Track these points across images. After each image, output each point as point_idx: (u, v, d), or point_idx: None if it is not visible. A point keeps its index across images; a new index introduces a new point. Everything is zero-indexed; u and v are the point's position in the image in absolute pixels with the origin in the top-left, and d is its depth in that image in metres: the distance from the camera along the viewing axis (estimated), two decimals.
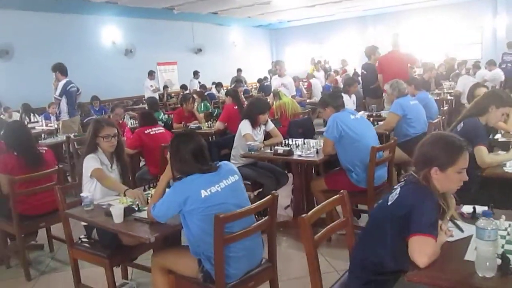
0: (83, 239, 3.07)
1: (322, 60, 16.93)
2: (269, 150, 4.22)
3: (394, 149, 3.86)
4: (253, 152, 4.18)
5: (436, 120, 5.07)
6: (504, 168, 3.05)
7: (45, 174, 3.77)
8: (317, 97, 10.67)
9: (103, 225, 2.57)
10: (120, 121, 5.82)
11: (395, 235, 1.89)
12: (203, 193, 2.30)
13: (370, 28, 19.17)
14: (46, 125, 8.29)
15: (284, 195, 4.83)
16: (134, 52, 14.83)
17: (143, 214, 2.59)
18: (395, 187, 2.07)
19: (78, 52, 12.46)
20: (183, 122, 6.63)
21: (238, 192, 2.46)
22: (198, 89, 12.01)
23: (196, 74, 13.18)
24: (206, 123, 6.55)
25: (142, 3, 13.02)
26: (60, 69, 7.14)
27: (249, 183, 4.27)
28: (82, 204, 2.81)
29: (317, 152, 3.94)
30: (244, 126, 4.45)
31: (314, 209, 2.18)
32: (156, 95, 11.59)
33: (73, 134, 6.54)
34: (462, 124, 3.31)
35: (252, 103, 4.60)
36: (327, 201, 2.29)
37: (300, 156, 3.91)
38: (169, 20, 15.43)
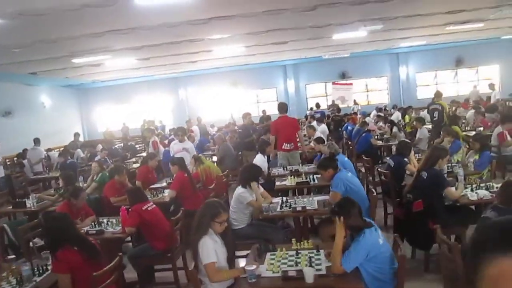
0: None
1: (158, 120, 17.40)
2: (281, 209, 4.94)
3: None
4: (270, 212, 4.82)
5: None
6: None
7: (113, 268, 3.57)
8: None
9: None
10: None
11: None
12: (380, 241, 3.09)
13: (182, 89, 20.70)
14: None
15: None
16: None
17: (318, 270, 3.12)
18: None
19: None
20: (116, 195, 6.44)
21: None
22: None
23: (37, 141, 11.86)
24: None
25: None
26: None
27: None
28: (247, 277, 3.07)
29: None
30: (245, 194, 4.99)
31: None
32: (1, 168, 9.99)
33: None
34: None
35: (248, 170, 5.20)
36: None
37: (316, 209, 4.81)
38: None
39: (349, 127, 12.41)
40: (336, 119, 13.61)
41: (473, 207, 4.98)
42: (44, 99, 17.66)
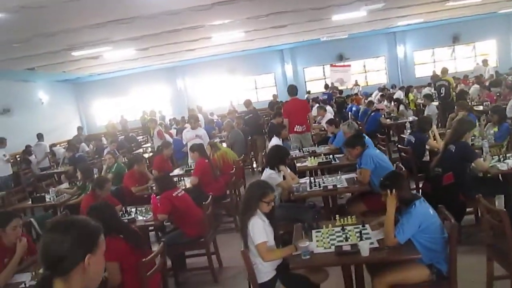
0: None
1: (157, 111, 17.27)
2: (310, 188, 4.94)
3: None
4: (302, 192, 4.82)
5: None
6: None
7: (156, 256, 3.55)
8: None
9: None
10: None
11: None
12: (430, 211, 3.10)
13: (180, 78, 20.53)
14: None
15: None
16: None
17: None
18: None
19: None
20: (137, 184, 6.42)
21: None
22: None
23: (41, 137, 11.73)
24: None
25: None
26: None
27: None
28: (301, 254, 3.08)
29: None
30: (274, 177, 4.97)
31: None
32: (9, 166, 9.91)
33: None
34: None
35: (276, 152, 5.18)
36: None
37: (347, 187, 4.82)
38: None
39: (353, 108, 12.42)
40: (339, 101, 13.60)
41: (499, 177, 5.02)
42: (41, 95, 17.44)
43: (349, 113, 12.53)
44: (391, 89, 17.02)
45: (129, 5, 8.51)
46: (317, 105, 12.30)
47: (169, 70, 20.00)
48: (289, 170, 5.32)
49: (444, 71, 10.41)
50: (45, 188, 7.73)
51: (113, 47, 12.54)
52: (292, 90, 8.57)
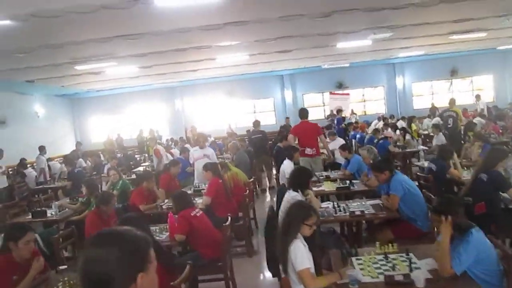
0: None
1: (154, 130, 17.00)
2: (335, 214, 4.71)
3: None
4: (329, 217, 4.59)
5: None
6: None
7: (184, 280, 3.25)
8: None
9: None
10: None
11: None
12: (487, 241, 2.90)
13: (178, 99, 20.36)
14: None
15: None
16: None
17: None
18: None
19: None
20: (145, 202, 6.12)
21: None
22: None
23: (42, 149, 11.37)
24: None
25: None
26: None
27: None
28: (349, 282, 2.83)
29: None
30: (299, 198, 4.72)
31: None
32: (5, 178, 9.50)
33: None
34: None
35: (300, 173, 4.97)
36: None
37: (374, 213, 4.61)
38: None
39: (357, 135, 12.33)
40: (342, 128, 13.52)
41: None
42: (37, 109, 17.08)
43: (353, 140, 12.42)
44: (389, 119, 17.00)
45: (141, 19, 8.36)
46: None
47: (168, 90, 19.83)
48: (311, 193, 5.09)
49: (452, 102, 10.41)
50: (42, 203, 7.38)
51: (117, 62, 12.39)
52: (303, 113, 8.46)
